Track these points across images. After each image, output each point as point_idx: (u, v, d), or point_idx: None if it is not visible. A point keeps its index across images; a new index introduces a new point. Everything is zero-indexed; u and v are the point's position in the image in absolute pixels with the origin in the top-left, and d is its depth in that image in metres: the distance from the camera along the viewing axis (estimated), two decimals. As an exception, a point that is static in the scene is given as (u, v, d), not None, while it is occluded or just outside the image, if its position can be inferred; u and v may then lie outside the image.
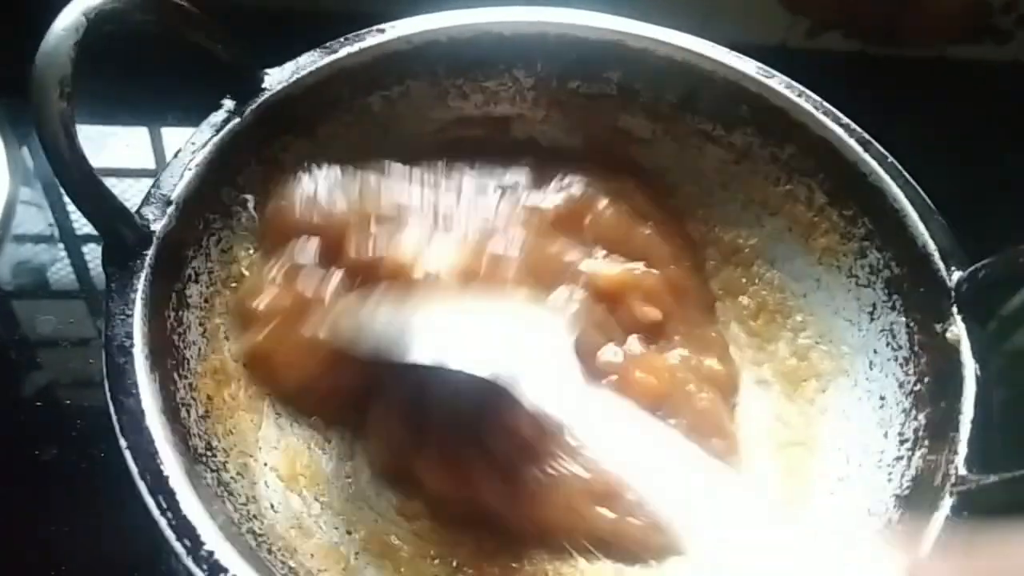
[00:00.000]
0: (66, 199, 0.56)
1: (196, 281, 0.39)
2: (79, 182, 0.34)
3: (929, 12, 0.71)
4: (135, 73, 0.55)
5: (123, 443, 0.31)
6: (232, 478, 0.35)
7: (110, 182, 0.35)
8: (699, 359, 0.44)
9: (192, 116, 0.59)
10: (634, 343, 0.44)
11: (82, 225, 0.55)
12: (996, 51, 0.72)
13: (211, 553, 0.29)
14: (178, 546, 0.29)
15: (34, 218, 0.55)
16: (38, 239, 0.54)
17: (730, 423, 0.43)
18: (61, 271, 0.53)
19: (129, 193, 0.56)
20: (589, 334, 0.42)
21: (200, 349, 0.38)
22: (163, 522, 0.30)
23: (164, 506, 0.30)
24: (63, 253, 0.54)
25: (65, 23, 0.34)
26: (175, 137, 0.61)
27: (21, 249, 0.54)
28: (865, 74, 0.71)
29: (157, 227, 0.37)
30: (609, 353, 0.43)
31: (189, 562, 0.29)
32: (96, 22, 0.34)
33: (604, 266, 0.45)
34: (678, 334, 0.45)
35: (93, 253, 0.54)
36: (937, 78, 0.72)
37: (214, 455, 0.35)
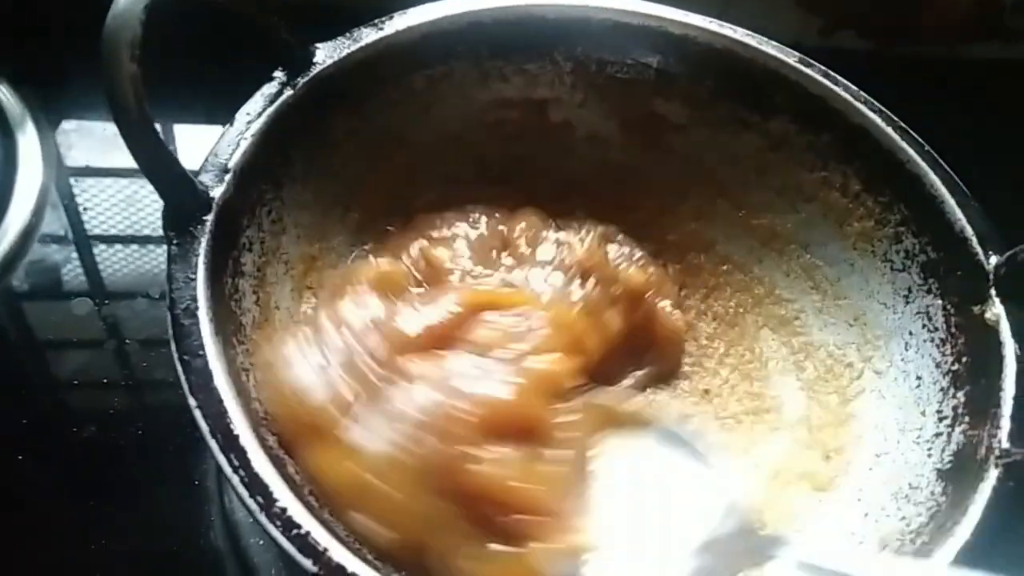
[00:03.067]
0: (78, 195, 0.56)
1: (250, 250, 0.39)
2: (146, 147, 0.34)
3: (941, 12, 0.73)
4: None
5: (192, 402, 0.31)
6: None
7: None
8: None
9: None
10: None
11: (94, 226, 0.55)
12: (1007, 49, 0.73)
13: (284, 510, 0.30)
14: (251, 503, 0.30)
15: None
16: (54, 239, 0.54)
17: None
18: (72, 271, 0.53)
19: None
20: None
21: (254, 317, 0.38)
22: (235, 479, 0.30)
23: (236, 464, 0.30)
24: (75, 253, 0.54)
25: (134, -13, 0.34)
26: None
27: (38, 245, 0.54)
28: (878, 73, 0.73)
29: (216, 194, 0.37)
30: None
31: (263, 518, 0.29)
32: (163, -12, 0.35)
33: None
34: None
35: (104, 255, 0.54)
36: (949, 77, 0.73)
37: (274, 420, 0.35)
